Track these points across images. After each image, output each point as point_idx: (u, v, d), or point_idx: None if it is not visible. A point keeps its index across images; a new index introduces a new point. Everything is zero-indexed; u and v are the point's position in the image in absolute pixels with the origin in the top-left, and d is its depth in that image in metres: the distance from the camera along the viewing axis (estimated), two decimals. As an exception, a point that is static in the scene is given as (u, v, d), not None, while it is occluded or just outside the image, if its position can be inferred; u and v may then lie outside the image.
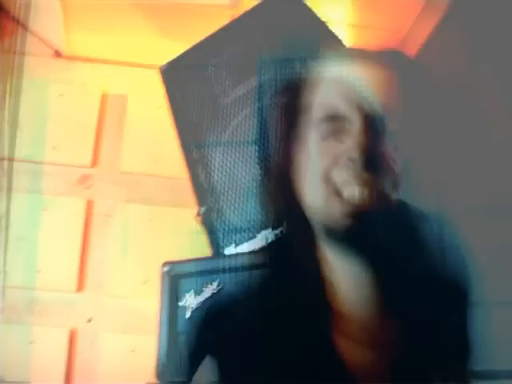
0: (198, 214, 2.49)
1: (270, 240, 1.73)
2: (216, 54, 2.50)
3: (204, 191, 2.50)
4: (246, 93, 2.47)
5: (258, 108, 2.45)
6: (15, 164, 2.63)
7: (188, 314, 2.06)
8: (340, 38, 2.68)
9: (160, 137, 2.69)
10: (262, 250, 1.97)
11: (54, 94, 2.80)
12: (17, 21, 2.62)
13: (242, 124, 2.44)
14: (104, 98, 2.84)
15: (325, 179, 1.19)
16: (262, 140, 2.09)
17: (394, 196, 1.17)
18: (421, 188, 1.25)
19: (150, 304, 2.21)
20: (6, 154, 2.57)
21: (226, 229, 2.41)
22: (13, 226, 2.58)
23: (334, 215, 1.17)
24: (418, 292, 1.21)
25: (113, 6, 2.67)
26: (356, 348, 1.20)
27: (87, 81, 2.82)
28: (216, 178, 2.44)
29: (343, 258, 1.21)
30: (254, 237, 2.29)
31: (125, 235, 2.69)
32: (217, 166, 2.46)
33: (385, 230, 1.17)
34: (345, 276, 1.22)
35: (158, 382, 1.92)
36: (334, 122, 1.21)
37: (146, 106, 2.76)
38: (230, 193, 2.42)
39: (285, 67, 1.51)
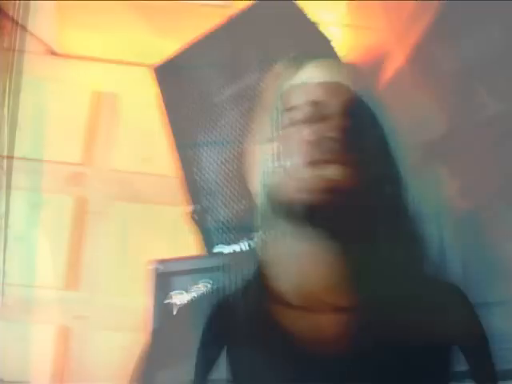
0: (190, 213, 2.50)
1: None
2: (208, 54, 2.52)
3: (196, 190, 2.51)
4: (237, 92, 2.48)
5: (249, 107, 2.47)
6: (9, 161, 2.64)
7: (175, 312, 2.08)
8: (330, 38, 2.69)
9: (151, 135, 2.70)
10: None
11: (46, 91, 2.80)
12: (12, 19, 2.62)
13: (234, 123, 2.46)
14: (96, 96, 2.84)
15: (277, 162, 1.25)
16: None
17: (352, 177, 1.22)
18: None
19: (141, 301, 2.23)
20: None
21: (218, 228, 2.42)
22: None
23: (289, 194, 1.23)
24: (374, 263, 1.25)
25: (106, 5, 2.67)
26: (302, 316, 1.25)
27: (80, 79, 2.82)
28: (208, 176, 2.46)
29: (297, 234, 1.27)
30: (248, 236, 2.30)
31: (116, 233, 2.70)
32: (209, 164, 2.47)
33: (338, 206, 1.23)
34: (292, 254, 1.28)
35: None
36: (292, 111, 1.28)
37: (137, 104, 2.77)
38: (221, 192, 2.43)
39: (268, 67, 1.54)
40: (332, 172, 1.22)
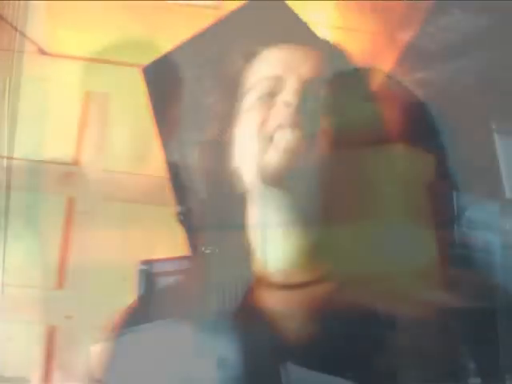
0: (178, 214, 2.50)
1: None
2: (199, 55, 2.52)
3: (184, 191, 2.51)
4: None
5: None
6: (3, 161, 2.65)
7: (163, 311, 2.08)
8: (322, 39, 2.68)
9: (142, 135, 2.70)
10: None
11: (37, 91, 2.80)
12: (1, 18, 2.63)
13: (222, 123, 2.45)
14: (87, 96, 2.84)
15: (260, 132, 1.26)
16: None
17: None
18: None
19: (129, 301, 2.23)
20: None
21: (205, 228, 2.41)
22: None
23: (270, 162, 1.24)
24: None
25: (97, 4, 2.68)
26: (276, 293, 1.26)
27: (70, 78, 2.82)
28: (196, 177, 2.45)
29: (278, 204, 1.28)
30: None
31: (105, 233, 2.70)
32: (197, 165, 2.47)
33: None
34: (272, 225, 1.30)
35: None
36: (270, 81, 1.30)
37: (128, 104, 2.77)
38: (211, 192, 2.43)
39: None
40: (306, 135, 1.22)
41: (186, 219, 2.45)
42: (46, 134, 2.78)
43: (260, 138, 1.27)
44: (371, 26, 2.64)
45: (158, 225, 2.64)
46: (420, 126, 1.63)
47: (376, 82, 1.76)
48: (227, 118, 1.46)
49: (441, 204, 1.61)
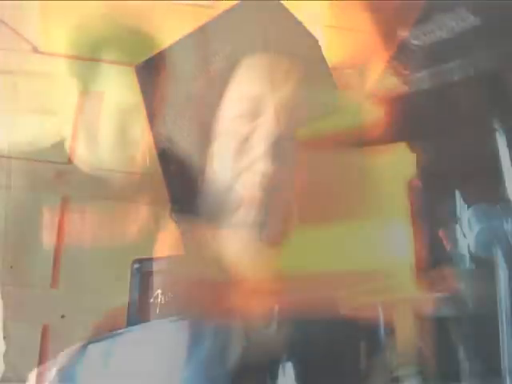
0: (172, 212, 2.50)
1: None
2: (192, 54, 2.52)
3: (178, 189, 2.51)
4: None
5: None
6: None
7: (158, 311, 2.08)
8: (317, 38, 2.69)
9: (136, 134, 2.71)
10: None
11: (31, 89, 2.80)
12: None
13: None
14: (81, 95, 2.84)
15: (239, 155, 1.28)
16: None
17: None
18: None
19: (123, 301, 2.23)
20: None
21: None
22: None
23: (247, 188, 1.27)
24: None
25: (91, 3, 2.68)
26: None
27: (64, 77, 2.82)
28: (190, 176, 2.45)
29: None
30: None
31: (99, 232, 2.70)
32: (192, 164, 2.47)
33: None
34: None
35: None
36: (248, 102, 1.31)
37: (122, 103, 2.77)
38: (203, 191, 2.43)
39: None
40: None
41: (178, 218, 2.45)
42: (39, 133, 2.78)
43: (236, 165, 1.29)
44: (365, 26, 2.64)
45: (154, 223, 2.65)
46: (413, 125, 1.64)
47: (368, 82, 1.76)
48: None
49: (431, 204, 1.62)
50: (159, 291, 2.16)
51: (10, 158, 2.69)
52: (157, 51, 2.60)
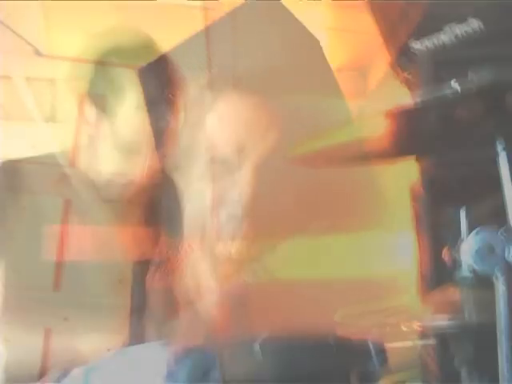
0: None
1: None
2: (195, 57, 2.52)
3: (180, 192, 2.51)
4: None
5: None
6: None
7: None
8: (319, 39, 2.69)
9: (138, 136, 2.70)
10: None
11: (34, 92, 2.80)
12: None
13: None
14: (83, 98, 2.83)
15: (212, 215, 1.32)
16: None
17: None
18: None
19: (125, 303, 2.23)
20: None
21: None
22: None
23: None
24: None
25: (93, 7, 2.67)
26: None
27: (67, 80, 2.81)
28: (192, 179, 2.46)
29: None
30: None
31: (101, 234, 2.69)
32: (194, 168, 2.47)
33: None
34: None
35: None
36: (227, 151, 1.33)
37: (124, 105, 2.76)
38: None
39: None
40: None
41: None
42: (42, 136, 2.78)
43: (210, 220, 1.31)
44: (367, 27, 2.64)
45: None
46: (417, 141, 1.63)
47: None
48: None
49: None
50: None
51: (13, 161, 2.69)
52: (159, 54, 2.60)
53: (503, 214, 1.49)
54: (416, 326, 1.79)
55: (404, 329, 1.76)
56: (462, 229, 1.59)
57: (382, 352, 1.35)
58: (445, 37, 2.35)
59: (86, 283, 2.65)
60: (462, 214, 1.61)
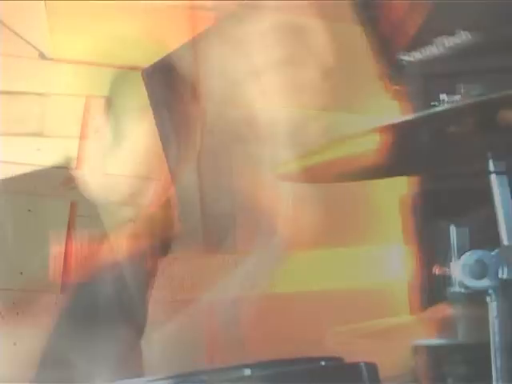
0: (181, 216, 2.51)
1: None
2: (199, 57, 2.51)
3: (186, 193, 2.51)
4: (228, 95, 2.48)
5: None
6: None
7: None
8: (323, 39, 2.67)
9: (144, 138, 2.70)
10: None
11: (39, 95, 2.80)
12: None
13: (225, 126, 2.45)
14: (88, 100, 2.83)
15: None
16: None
17: None
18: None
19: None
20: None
21: (210, 230, 2.43)
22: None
23: None
24: None
25: (97, 9, 2.67)
26: None
27: (72, 83, 2.81)
28: (199, 179, 2.46)
29: None
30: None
31: (108, 236, 2.70)
32: (200, 168, 2.47)
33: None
34: None
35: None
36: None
37: (129, 107, 2.77)
38: (213, 195, 2.44)
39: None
40: None
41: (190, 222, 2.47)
42: (47, 139, 2.78)
43: None
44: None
45: (162, 228, 2.64)
46: (409, 159, 1.62)
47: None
48: None
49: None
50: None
51: (18, 164, 2.69)
52: (164, 55, 2.59)
53: (494, 228, 1.48)
54: (408, 342, 1.79)
55: (396, 345, 1.76)
56: (452, 243, 1.58)
57: (374, 373, 1.35)
58: (434, 49, 2.35)
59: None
60: (453, 228, 1.61)
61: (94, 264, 2.44)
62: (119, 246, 2.58)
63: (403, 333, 1.62)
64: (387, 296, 1.86)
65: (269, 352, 1.68)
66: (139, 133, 2.67)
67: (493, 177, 1.52)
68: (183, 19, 2.71)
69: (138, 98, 2.60)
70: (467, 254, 1.46)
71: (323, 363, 1.32)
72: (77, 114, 2.76)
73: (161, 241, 2.57)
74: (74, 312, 1.76)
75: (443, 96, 1.51)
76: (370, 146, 1.39)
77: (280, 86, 2.30)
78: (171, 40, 2.59)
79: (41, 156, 2.74)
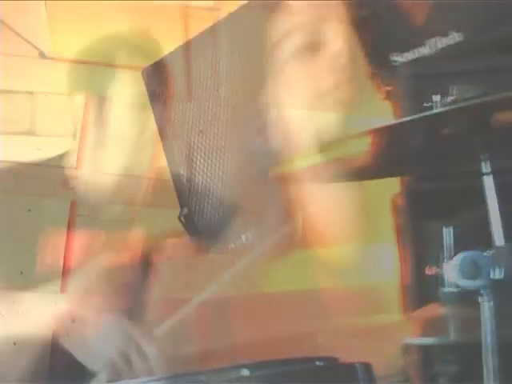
0: (180, 216, 2.50)
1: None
2: (199, 57, 2.51)
3: (186, 193, 2.51)
4: (229, 95, 2.47)
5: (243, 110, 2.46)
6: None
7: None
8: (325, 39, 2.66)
9: (143, 138, 2.70)
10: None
11: (39, 94, 2.80)
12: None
13: (225, 126, 2.45)
14: (88, 99, 2.82)
15: None
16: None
17: None
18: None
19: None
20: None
21: (208, 230, 2.42)
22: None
23: None
24: None
25: (97, 9, 2.67)
26: None
27: (72, 82, 2.81)
28: (198, 179, 2.46)
29: None
30: (238, 238, 2.30)
31: (108, 235, 2.70)
32: (199, 167, 2.47)
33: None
34: None
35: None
36: None
37: (129, 106, 2.76)
38: (212, 194, 2.43)
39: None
40: None
41: (187, 221, 2.46)
42: (47, 138, 2.78)
43: None
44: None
45: (162, 227, 2.64)
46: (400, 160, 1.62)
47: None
48: None
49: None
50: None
51: (19, 163, 2.69)
52: (164, 54, 2.59)
53: (486, 229, 1.48)
54: (400, 342, 1.79)
55: (388, 345, 1.76)
56: (444, 244, 1.58)
57: (369, 373, 1.36)
58: (426, 50, 2.35)
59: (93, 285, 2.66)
60: (445, 228, 1.60)
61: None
62: (119, 245, 2.58)
63: (395, 332, 1.62)
64: (379, 295, 1.86)
65: (260, 352, 1.69)
66: (139, 132, 2.67)
67: (485, 178, 1.52)
68: (183, 19, 2.71)
69: (137, 97, 2.60)
70: (459, 254, 1.47)
71: (318, 363, 1.33)
72: (77, 113, 2.77)
73: (160, 240, 2.57)
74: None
75: (435, 97, 1.51)
76: (363, 148, 1.39)
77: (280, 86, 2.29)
78: (170, 40, 2.59)
79: (41, 155, 2.74)
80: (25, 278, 2.63)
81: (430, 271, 1.55)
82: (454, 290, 1.48)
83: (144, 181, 2.72)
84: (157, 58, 2.58)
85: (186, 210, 2.51)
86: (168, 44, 2.55)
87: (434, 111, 1.42)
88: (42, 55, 2.78)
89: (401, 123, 1.43)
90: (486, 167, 1.50)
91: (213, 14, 2.65)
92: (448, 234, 1.56)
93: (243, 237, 2.28)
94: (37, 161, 2.75)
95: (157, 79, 2.56)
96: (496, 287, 1.44)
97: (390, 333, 1.70)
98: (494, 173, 1.50)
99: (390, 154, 1.49)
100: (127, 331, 1.67)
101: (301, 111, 1.68)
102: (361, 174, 1.51)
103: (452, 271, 1.45)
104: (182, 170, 2.53)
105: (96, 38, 2.69)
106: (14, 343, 2.58)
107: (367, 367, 1.35)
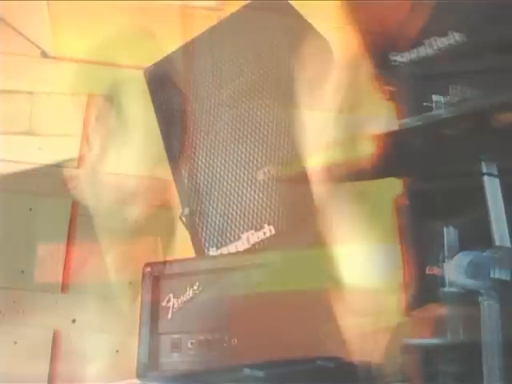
0: (182, 216, 2.50)
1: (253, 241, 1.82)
2: (201, 56, 2.51)
3: (187, 193, 2.50)
4: (231, 95, 2.47)
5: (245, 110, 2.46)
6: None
7: (170, 315, 2.09)
8: (327, 39, 2.66)
9: (146, 137, 2.70)
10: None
11: (41, 94, 2.80)
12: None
13: (227, 126, 2.45)
14: (90, 99, 2.83)
15: None
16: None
17: None
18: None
19: (135, 305, 2.23)
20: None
21: (210, 230, 2.42)
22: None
23: None
24: None
25: (99, 8, 2.67)
26: None
27: (74, 81, 2.81)
28: (200, 179, 2.45)
29: None
30: (239, 238, 2.30)
31: (110, 236, 2.70)
32: (201, 167, 2.46)
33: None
34: None
35: (139, 381, 1.94)
36: None
37: (131, 106, 2.76)
38: (213, 194, 2.43)
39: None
40: None
41: (189, 221, 2.45)
42: (49, 137, 2.78)
43: None
44: (374, 27, 2.61)
45: (164, 227, 2.64)
46: (402, 162, 1.62)
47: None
48: None
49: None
50: (171, 295, 2.16)
51: (20, 163, 2.69)
52: (167, 54, 2.59)
53: (486, 229, 1.48)
54: (401, 341, 1.79)
55: (389, 344, 1.76)
56: (445, 244, 1.58)
57: (369, 372, 1.35)
58: (426, 50, 2.34)
59: (95, 285, 2.66)
60: (446, 229, 1.60)
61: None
62: (121, 245, 2.58)
63: (395, 332, 1.62)
64: (379, 295, 1.86)
65: (262, 352, 1.68)
66: (141, 131, 2.67)
67: (485, 178, 1.52)
68: (185, 19, 2.71)
69: (139, 96, 2.60)
70: (460, 254, 1.47)
71: (320, 362, 1.33)
72: (78, 112, 2.77)
73: (161, 240, 2.57)
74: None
75: (435, 97, 1.51)
76: (366, 149, 1.39)
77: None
78: (172, 40, 2.59)
79: (42, 155, 2.74)
80: (26, 277, 2.63)
81: (430, 271, 1.55)
82: (455, 289, 1.47)
83: (146, 181, 2.72)
84: (159, 58, 2.57)
85: (187, 210, 2.50)
86: (170, 44, 2.55)
87: (436, 112, 1.41)
88: (44, 54, 2.78)
89: (403, 124, 1.42)
90: (485, 168, 1.50)
91: (214, 14, 2.65)
92: (449, 234, 1.56)
93: (243, 237, 2.27)
94: (38, 160, 2.75)
95: (159, 79, 2.55)
96: (502, 288, 1.43)
97: (391, 333, 1.70)
98: (494, 173, 1.50)
99: (392, 155, 1.49)
100: None
101: (307, 112, 1.67)
102: (363, 174, 1.51)
103: (452, 271, 1.45)
104: (184, 170, 2.53)
105: (98, 37, 2.69)
106: (15, 342, 2.59)
107: (367, 366, 1.35)
